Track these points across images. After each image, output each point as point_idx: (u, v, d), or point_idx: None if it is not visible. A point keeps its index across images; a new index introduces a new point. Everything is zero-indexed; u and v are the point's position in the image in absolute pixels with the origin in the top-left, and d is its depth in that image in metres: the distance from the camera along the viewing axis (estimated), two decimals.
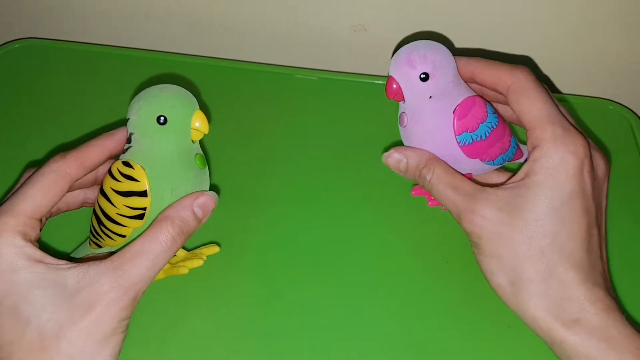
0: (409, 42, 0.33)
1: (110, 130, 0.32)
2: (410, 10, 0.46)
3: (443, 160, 0.33)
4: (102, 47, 0.51)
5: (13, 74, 0.48)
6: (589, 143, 0.30)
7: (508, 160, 0.35)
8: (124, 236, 0.31)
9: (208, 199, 0.31)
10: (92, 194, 0.34)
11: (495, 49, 0.48)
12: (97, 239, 0.32)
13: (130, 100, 0.31)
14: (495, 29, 0.46)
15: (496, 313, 0.35)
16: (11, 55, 0.49)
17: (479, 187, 0.31)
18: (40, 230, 0.29)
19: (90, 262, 0.28)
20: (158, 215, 0.30)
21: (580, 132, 0.30)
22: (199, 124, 0.31)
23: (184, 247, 0.36)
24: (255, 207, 0.39)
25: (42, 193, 0.28)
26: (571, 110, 0.45)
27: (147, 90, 0.31)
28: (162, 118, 0.30)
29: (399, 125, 0.34)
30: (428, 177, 0.32)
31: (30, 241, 0.28)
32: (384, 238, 0.38)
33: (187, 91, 0.32)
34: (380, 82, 0.47)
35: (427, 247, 0.38)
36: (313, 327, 0.34)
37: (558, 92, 0.48)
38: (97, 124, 0.43)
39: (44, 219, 0.30)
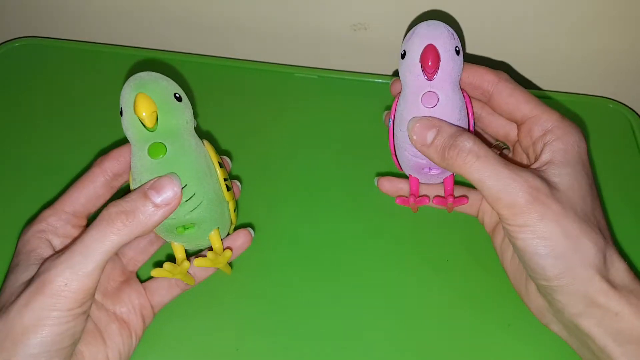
0: (421, 22, 0.31)
1: (107, 130, 0.33)
2: (411, 9, 0.45)
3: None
4: (102, 46, 0.50)
5: (13, 72, 0.48)
6: None
7: None
8: None
9: (161, 181, 0.28)
10: None
11: (494, 48, 0.48)
12: None
13: None
14: (496, 27, 0.46)
15: (496, 312, 0.35)
16: (11, 54, 0.49)
17: (520, 167, 0.29)
18: (88, 217, 0.32)
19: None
20: None
21: None
22: (135, 107, 0.27)
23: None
24: (254, 205, 0.39)
25: (77, 189, 0.31)
26: (572, 109, 0.45)
27: None
28: (120, 110, 0.29)
29: (422, 106, 0.30)
30: (468, 145, 0.29)
31: (53, 232, 0.30)
32: (384, 236, 0.38)
33: (147, 75, 0.29)
34: (381, 80, 0.47)
35: (427, 246, 0.38)
36: (313, 325, 0.34)
37: (558, 91, 0.48)
38: (97, 122, 0.43)
39: (85, 208, 0.31)
